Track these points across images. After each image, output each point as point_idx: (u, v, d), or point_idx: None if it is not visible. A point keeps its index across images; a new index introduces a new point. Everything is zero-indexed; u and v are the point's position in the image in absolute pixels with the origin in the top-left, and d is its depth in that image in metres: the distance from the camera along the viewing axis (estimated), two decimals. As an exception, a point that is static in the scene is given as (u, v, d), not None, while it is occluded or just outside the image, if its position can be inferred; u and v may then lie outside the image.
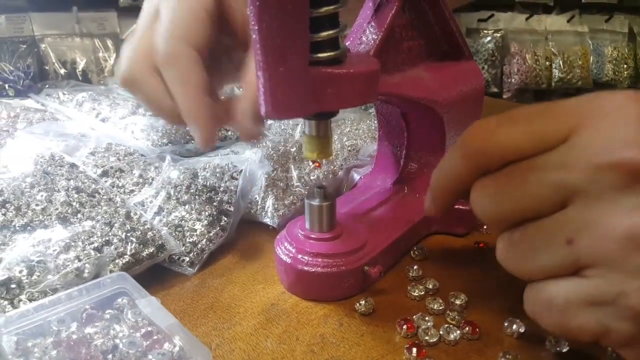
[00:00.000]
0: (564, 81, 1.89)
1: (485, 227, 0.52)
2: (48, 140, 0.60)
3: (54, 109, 0.79)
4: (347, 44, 0.42)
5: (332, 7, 0.33)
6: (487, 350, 0.35)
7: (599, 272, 0.26)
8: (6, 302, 0.36)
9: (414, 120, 0.51)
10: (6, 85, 0.88)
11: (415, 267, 0.44)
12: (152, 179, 0.54)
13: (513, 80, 1.80)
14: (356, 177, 0.59)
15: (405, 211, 0.50)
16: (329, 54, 0.34)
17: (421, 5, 0.46)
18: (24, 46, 0.97)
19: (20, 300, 0.36)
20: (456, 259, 0.47)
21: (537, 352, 0.35)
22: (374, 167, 0.57)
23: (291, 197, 0.53)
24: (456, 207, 0.49)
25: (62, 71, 0.99)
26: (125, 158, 0.57)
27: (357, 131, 0.69)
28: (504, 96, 1.82)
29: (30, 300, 0.36)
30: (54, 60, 0.99)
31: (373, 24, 0.41)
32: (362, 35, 0.41)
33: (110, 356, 0.32)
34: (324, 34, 0.34)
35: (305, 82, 0.33)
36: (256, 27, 0.31)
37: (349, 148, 0.64)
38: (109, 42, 1.06)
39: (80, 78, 0.97)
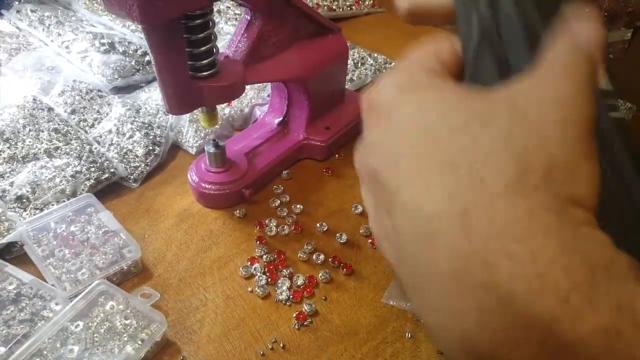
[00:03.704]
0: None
1: (337, 155, 0.77)
2: (27, 77, 0.80)
3: (26, 32, 0.96)
4: (227, 48, 0.62)
5: (205, 47, 0.54)
6: (302, 239, 0.63)
7: None
8: (21, 210, 0.61)
9: (289, 84, 0.73)
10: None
11: (280, 185, 0.70)
12: (107, 114, 0.77)
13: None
14: (258, 113, 0.81)
15: (281, 145, 0.74)
16: (205, 72, 0.56)
17: (282, 9, 0.64)
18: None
19: (29, 209, 0.62)
20: (309, 179, 0.73)
21: (331, 242, 0.63)
22: (268, 108, 0.79)
23: (207, 129, 0.77)
24: (316, 143, 0.74)
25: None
26: (87, 95, 0.79)
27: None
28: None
29: (35, 209, 0.62)
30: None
31: (245, 34, 0.61)
32: (238, 43, 0.61)
33: (86, 243, 0.58)
34: (202, 62, 0.55)
35: (189, 91, 0.55)
36: (154, 59, 0.52)
37: (257, 86, 0.85)
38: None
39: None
